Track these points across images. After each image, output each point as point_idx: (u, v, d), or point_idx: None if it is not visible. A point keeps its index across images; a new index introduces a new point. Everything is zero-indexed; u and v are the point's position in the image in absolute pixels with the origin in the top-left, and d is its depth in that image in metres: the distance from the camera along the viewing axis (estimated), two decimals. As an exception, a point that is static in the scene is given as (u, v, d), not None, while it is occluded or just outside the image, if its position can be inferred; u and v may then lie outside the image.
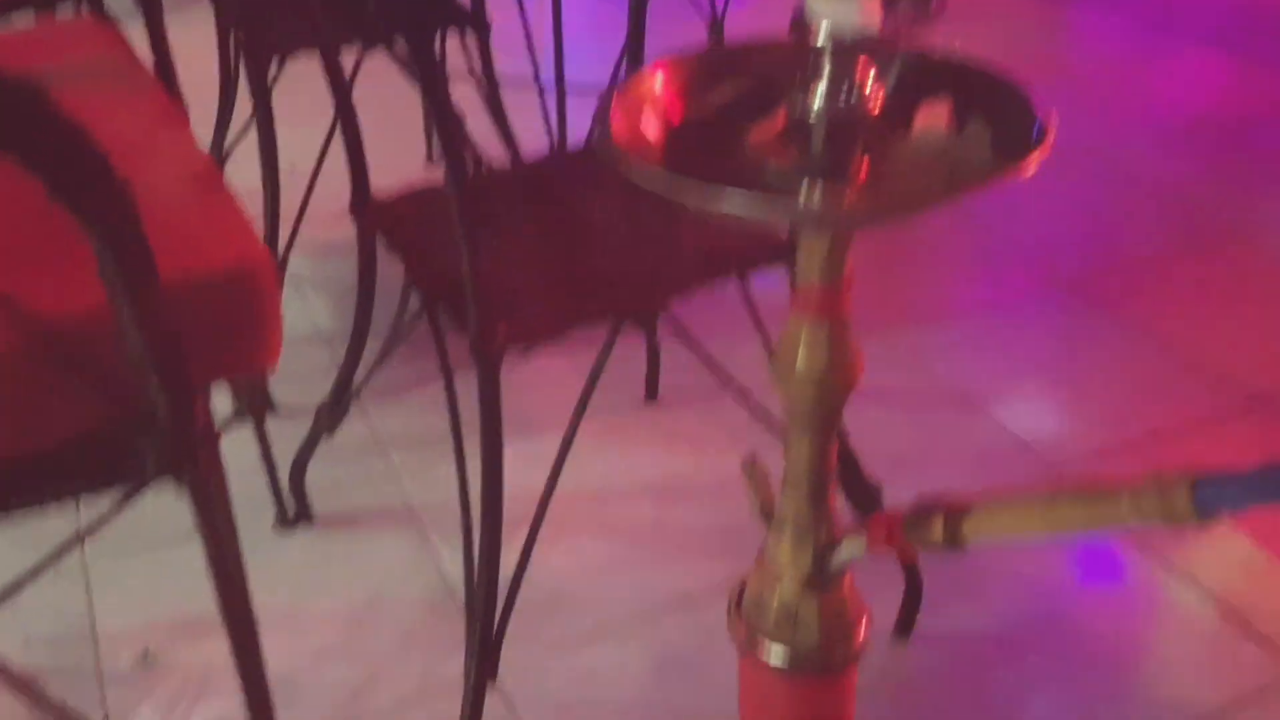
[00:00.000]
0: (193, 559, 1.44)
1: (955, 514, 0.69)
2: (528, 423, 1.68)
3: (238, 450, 1.58)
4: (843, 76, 0.63)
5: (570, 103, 2.20)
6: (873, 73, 0.64)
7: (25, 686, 0.73)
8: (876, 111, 0.65)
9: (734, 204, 0.58)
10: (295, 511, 1.50)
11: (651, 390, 1.73)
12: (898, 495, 1.40)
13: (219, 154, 2.05)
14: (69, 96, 1.01)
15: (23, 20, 1.47)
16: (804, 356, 0.71)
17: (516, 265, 1.11)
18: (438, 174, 1.03)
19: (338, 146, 1.28)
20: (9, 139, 0.53)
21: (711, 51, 0.74)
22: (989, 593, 1.37)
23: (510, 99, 2.10)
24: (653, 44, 1.41)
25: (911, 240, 2.16)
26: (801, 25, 0.64)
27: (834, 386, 0.71)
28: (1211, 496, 0.58)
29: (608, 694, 1.25)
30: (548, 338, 1.04)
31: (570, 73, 2.20)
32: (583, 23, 3.04)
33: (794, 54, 0.66)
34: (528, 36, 2.19)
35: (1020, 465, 1.57)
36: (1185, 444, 1.60)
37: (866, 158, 0.66)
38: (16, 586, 1.14)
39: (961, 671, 1.27)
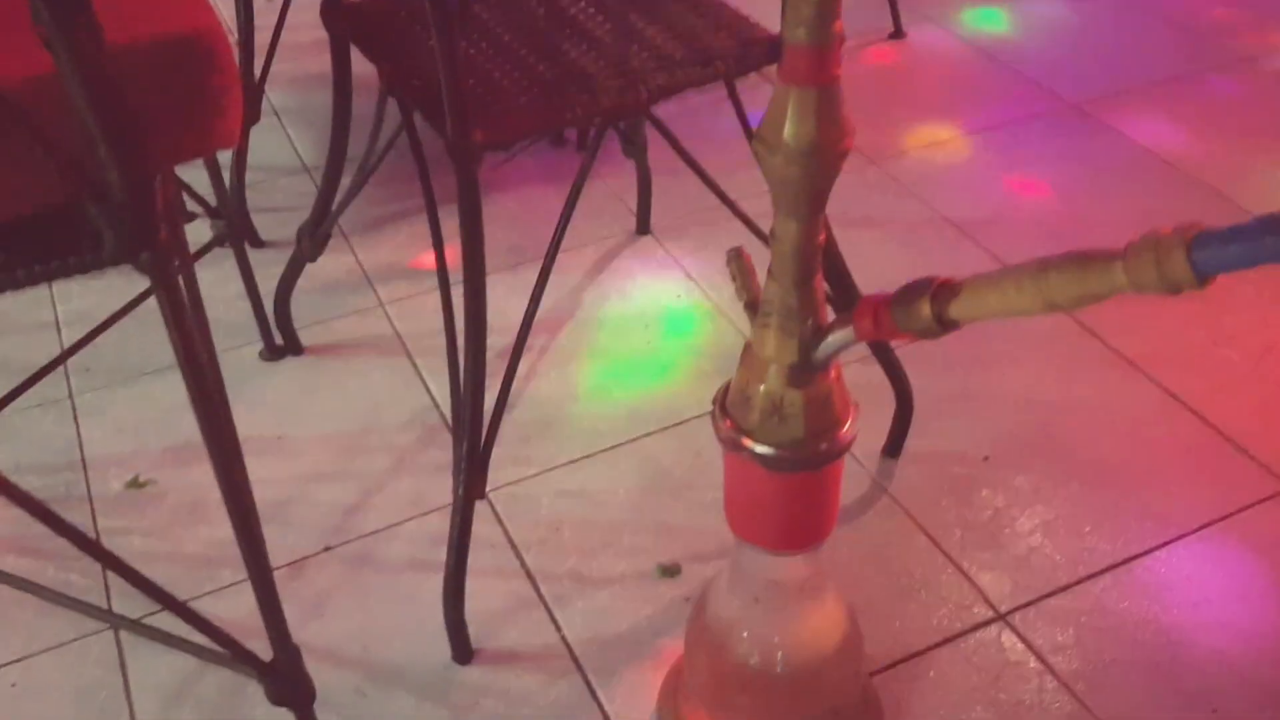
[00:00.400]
0: (178, 387, 1.44)
1: (943, 294, 0.67)
2: (517, 251, 1.66)
3: (223, 282, 1.57)
4: None
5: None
6: None
7: (20, 498, 0.72)
8: None
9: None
10: (283, 342, 1.48)
11: (643, 222, 1.70)
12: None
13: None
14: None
15: None
16: (791, 127, 0.68)
17: (494, 66, 1.06)
18: None
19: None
20: None
21: None
22: (978, 413, 1.37)
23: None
24: None
25: (914, 64, 2.09)
26: None
27: (824, 159, 0.68)
28: (1209, 257, 0.56)
29: (596, 512, 1.26)
30: (526, 138, 1.00)
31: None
32: None
33: None
34: None
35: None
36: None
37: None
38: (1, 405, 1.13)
39: (949, 488, 1.27)
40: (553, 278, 1.58)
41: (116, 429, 1.39)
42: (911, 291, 0.69)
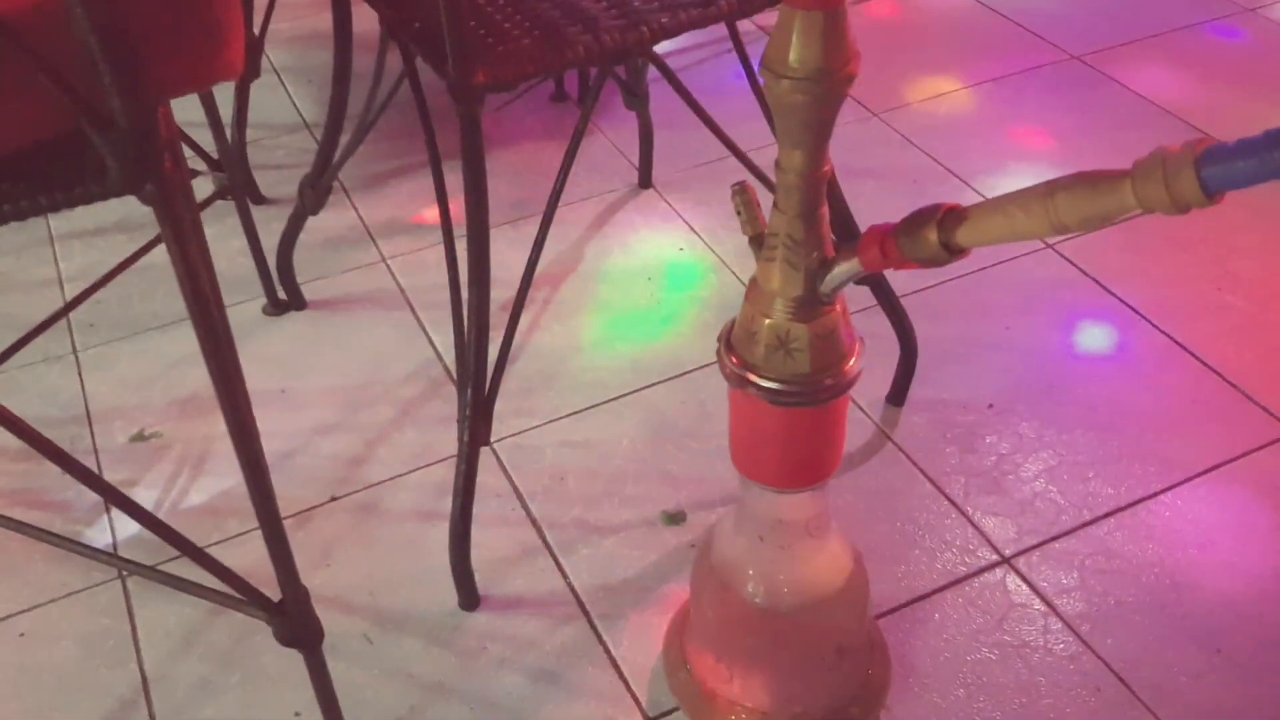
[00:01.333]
0: (183, 342, 1.45)
1: (950, 220, 0.66)
2: (520, 206, 1.65)
3: (225, 237, 1.56)
4: None
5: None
6: None
7: (31, 436, 0.72)
8: None
9: None
10: (286, 296, 1.48)
11: (645, 176, 1.69)
12: (894, 276, 1.38)
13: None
14: None
15: None
16: (796, 51, 0.67)
17: (494, 8, 1.06)
18: None
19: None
20: None
21: None
22: (982, 361, 1.37)
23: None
24: None
25: (915, 17, 2.07)
26: None
27: (830, 83, 0.68)
28: (1218, 173, 0.55)
29: (601, 461, 1.26)
30: (529, 78, 1.00)
31: None
32: None
33: None
34: None
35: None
36: (1192, 214, 1.57)
37: None
38: (3, 358, 1.13)
39: (953, 435, 1.27)
40: (554, 231, 1.59)
41: (121, 383, 1.39)
42: (918, 219, 0.69)
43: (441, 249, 1.19)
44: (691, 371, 1.37)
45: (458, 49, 0.94)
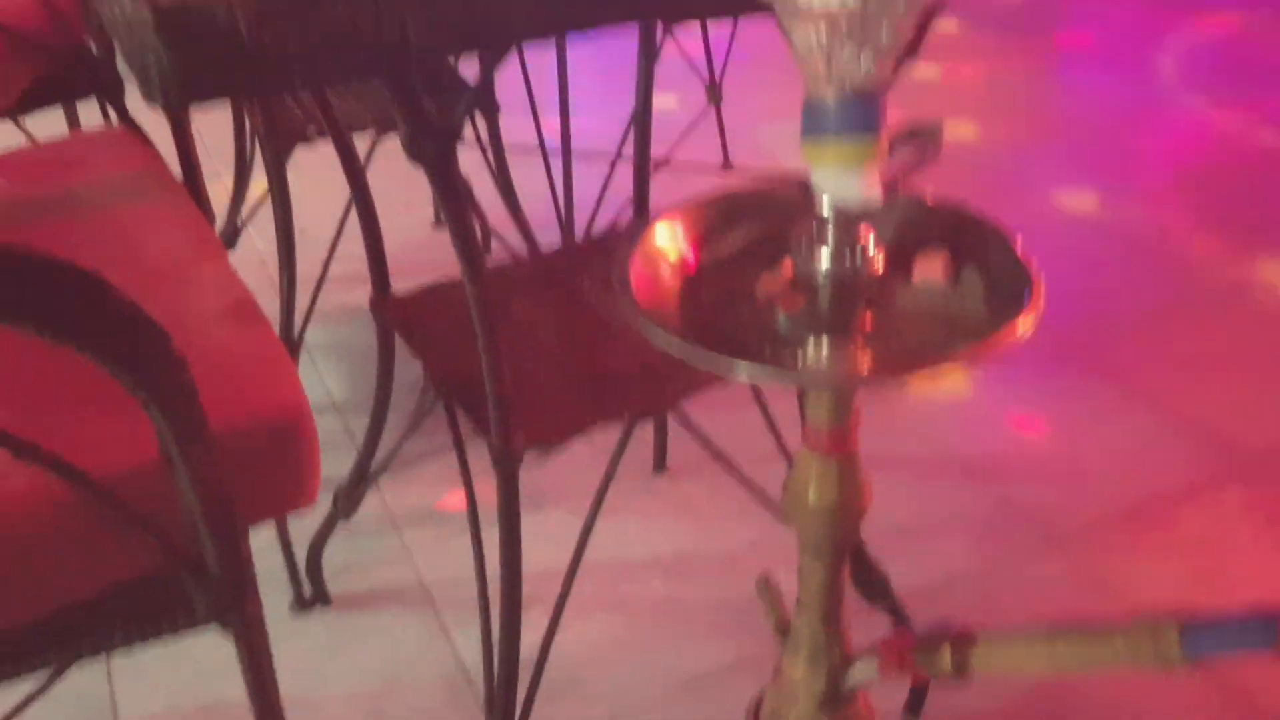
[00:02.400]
0: (213, 645, 1.48)
1: (962, 645, 0.73)
2: (537, 496, 1.72)
3: (253, 528, 1.62)
4: (846, 242, 0.67)
5: (577, 168, 2.26)
6: (873, 236, 0.69)
7: None
8: (879, 268, 0.70)
9: (747, 374, 0.62)
10: (312, 593, 1.53)
11: (659, 461, 1.77)
12: (899, 569, 1.44)
13: (235, 224, 2.10)
14: (105, 217, 1.05)
15: (51, 124, 1.52)
16: (815, 491, 0.75)
17: (533, 367, 1.15)
18: (444, 238, 1.06)
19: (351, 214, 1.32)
20: (73, 332, 0.57)
21: (720, 199, 0.79)
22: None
23: (515, 159, 2.15)
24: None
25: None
26: (809, 190, 0.68)
27: (845, 519, 0.75)
28: (1198, 642, 0.62)
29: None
30: (564, 440, 1.08)
31: (576, 137, 2.26)
32: (586, 86, 3.11)
33: (801, 207, 0.70)
34: (532, 105, 2.25)
35: (1019, 535, 1.61)
36: (1182, 512, 1.64)
37: (869, 314, 0.70)
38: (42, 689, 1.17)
39: (968, 751, 1.30)
40: (571, 520, 1.65)
41: (152, 687, 1.42)
42: (934, 638, 0.75)
43: (467, 538, 1.25)
44: (710, 676, 1.41)
45: (501, 416, 1.03)
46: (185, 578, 0.68)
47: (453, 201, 0.85)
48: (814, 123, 0.64)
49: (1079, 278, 2.25)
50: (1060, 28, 3.61)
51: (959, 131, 2.89)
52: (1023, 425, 1.84)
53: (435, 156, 0.76)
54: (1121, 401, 1.88)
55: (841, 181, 0.65)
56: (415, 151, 0.74)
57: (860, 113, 0.63)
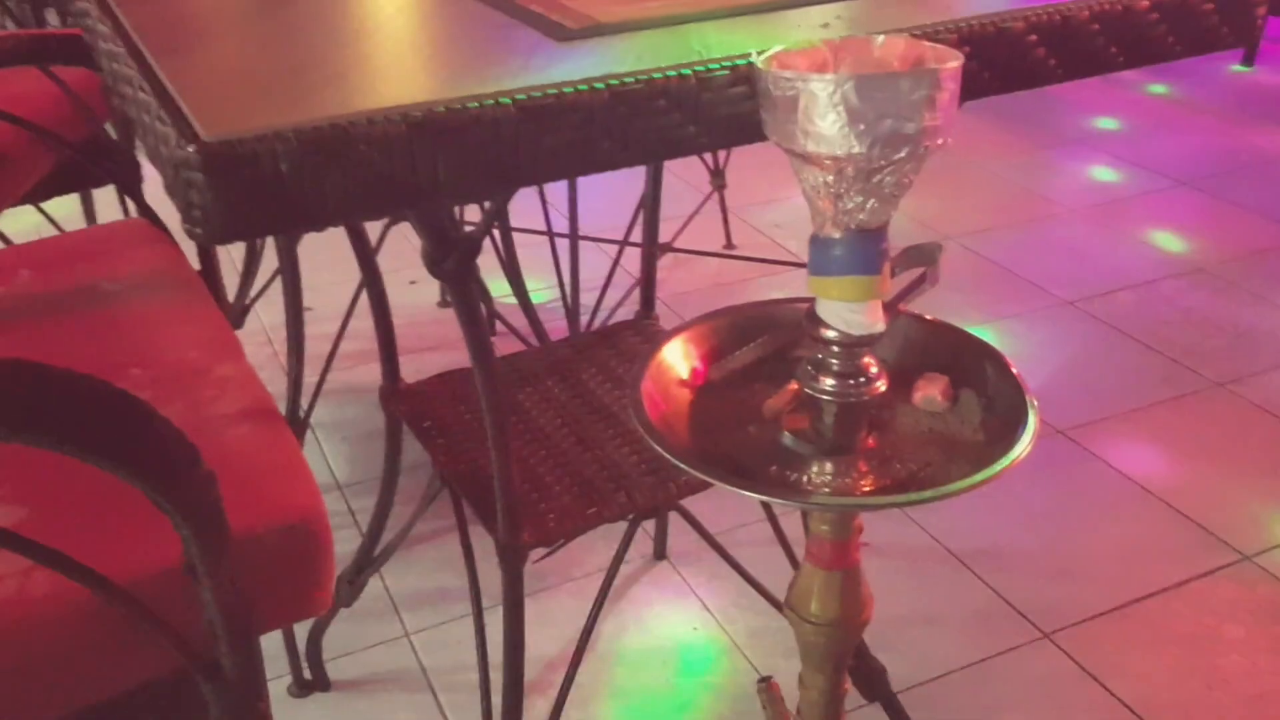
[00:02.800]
0: None
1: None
2: (539, 579, 1.73)
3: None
4: (850, 368, 0.71)
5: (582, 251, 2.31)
6: (876, 364, 0.72)
7: None
8: (882, 390, 0.73)
9: (758, 496, 0.65)
10: (311, 676, 1.54)
11: (660, 550, 1.78)
12: (894, 661, 1.45)
13: (244, 302, 2.13)
14: (126, 314, 1.08)
15: (69, 216, 1.56)
16: (817, 604, 0.77)
17: (539, 462, 1.18)
18: (449, 316, 1.08)
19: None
20: (104, 451, 0.59)
21: (728, 315, 0.82)
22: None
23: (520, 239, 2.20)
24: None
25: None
26: (814, 318, 0.71)
27: (846, 632, 0.77)
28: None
29: None
30: (568, 538, 1.10)
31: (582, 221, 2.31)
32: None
33: (807, 328, 0.73)
34: (540, 192, 2.30)
35: (1013, 627, 1.62)
36: (1178, 605, 1.65)
37: (871, 436, 0.73)
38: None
39: None
40: (572, 604, 1.66)
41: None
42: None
43: (466, 622, 1.26)
44: (706, 769, 1.41)
45: (508, 514, 1.05)
46: (202, 682, 0.70)
47: (469, 310, 0.88)
48: (821, 259, 0.68)
49: (1066, 364, 2.29)
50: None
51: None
52: (1014, 514, 1.86)
53: (456, 272, 0.79)
54: (1110, 490, 1.91)
55: (846, 314, 0.68)
56: (438, 270, 0.78)
57: (865, 251, 0.66)
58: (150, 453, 0.60)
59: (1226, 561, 1.75)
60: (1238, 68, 4.10)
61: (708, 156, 2.65)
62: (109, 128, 1.75)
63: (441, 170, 0.60)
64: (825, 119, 0.60)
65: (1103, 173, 3.24)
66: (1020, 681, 1.54)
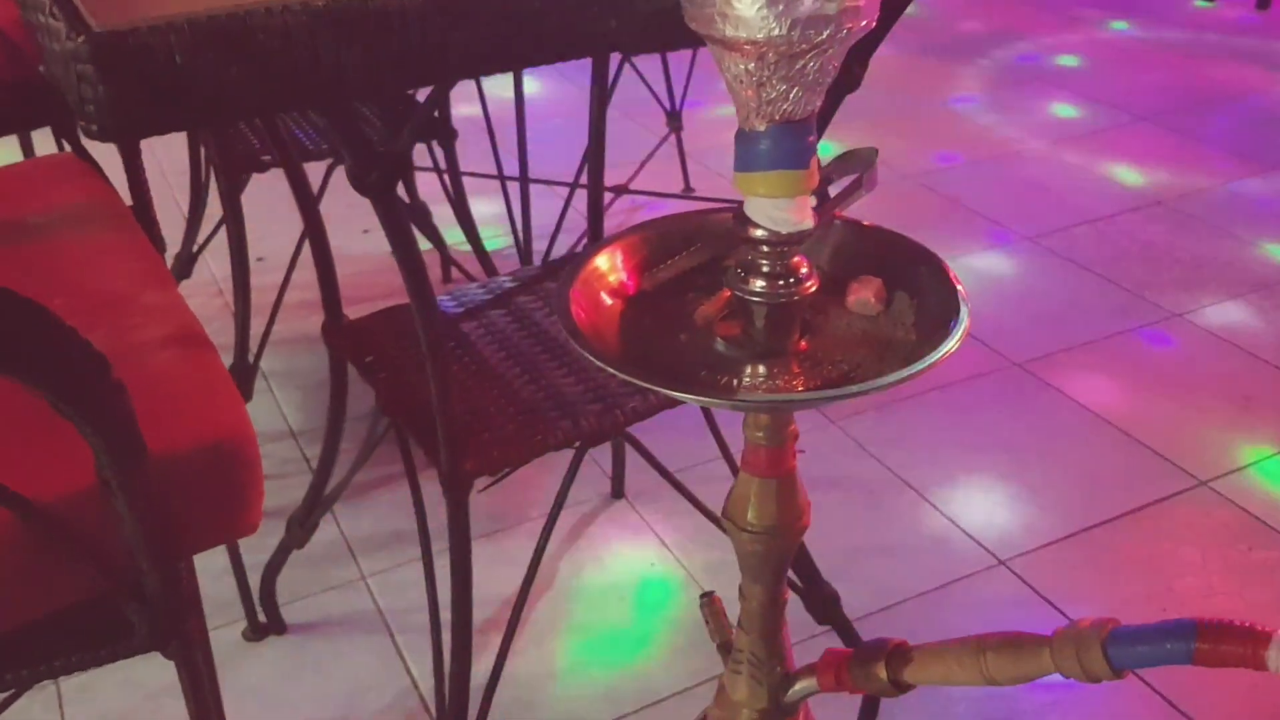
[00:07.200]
0: (162, 669, 1.47)
1: (897, 659, 0.74)
2: (496, 520, 1.72)
3: (209, 555, 1.61)
4: (780, 269, 0.69)
5: (539, 198, 2.28)
6: (807, 261, 0.71)
7: None
8: (812, 290, 0.71)
9: (688, 397, 0.64)
10: (266, 620, 1.52)
11: (617, 488, 1.78)
12: (853, 592, 1.46)
13: (191, 251, 2.09)
14: (52, 245, 1.05)
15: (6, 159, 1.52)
16: (753, 511, 0.76)
17: (484, 392, 1.16)
18: None
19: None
20: (8, 358, 0.57)
21: (659, 226, 0.80)
22: (949, 695, 1.42)
23: (473, 185, 2.17)
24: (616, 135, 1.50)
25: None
26: (742, 217, 0.70)
27: (783, 539, 0.77)
28: (1122, 654, 0.63)
29: (577, 802, 1.28)
30: (512, 466, 1.09)
31: (537, 167, 2.28)
32: (543, 117, 3.14)
33: (737, 233, 0.72)
34: (491, 136, 2.27)
35: (968, 555, 1.63)
36: (1134, 530, 1.67)
37: (804, 338, 0.72)
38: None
39: (920, 770, 1.31)
40: (529, 544, 1.65)
41: (102, 713, 1.40)
42: (869, 652, 0.76)
43: (419, 564, 1.25)
44: (666, 699, 1.41)
45: (450, 443, 1.03)
46: (125, 603, 0.69)
47: (398, 231, 0.86)
48: (746, 154, 0.66)
49: (1030, 298, 2.29)
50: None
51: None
52: (974, 445, 1.86)
53: (380, 187, 0.77)
54: (1068, 421, 1.91)
55: (773, 211, 0.67)
56: (360, 183, 0.76)
57: (790, 144, 0.65)
58: (54, 360, 0.58)
59: (1183, 487, 1.76)
60: (1200, 3, 4.09)
61: (664, 97, 2.61)
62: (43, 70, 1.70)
63: (346, 63, 0.58)
64: (743, 0, 0.58)
65: (1063, 109, 3.23)
66: (974, 606, 1.54)
